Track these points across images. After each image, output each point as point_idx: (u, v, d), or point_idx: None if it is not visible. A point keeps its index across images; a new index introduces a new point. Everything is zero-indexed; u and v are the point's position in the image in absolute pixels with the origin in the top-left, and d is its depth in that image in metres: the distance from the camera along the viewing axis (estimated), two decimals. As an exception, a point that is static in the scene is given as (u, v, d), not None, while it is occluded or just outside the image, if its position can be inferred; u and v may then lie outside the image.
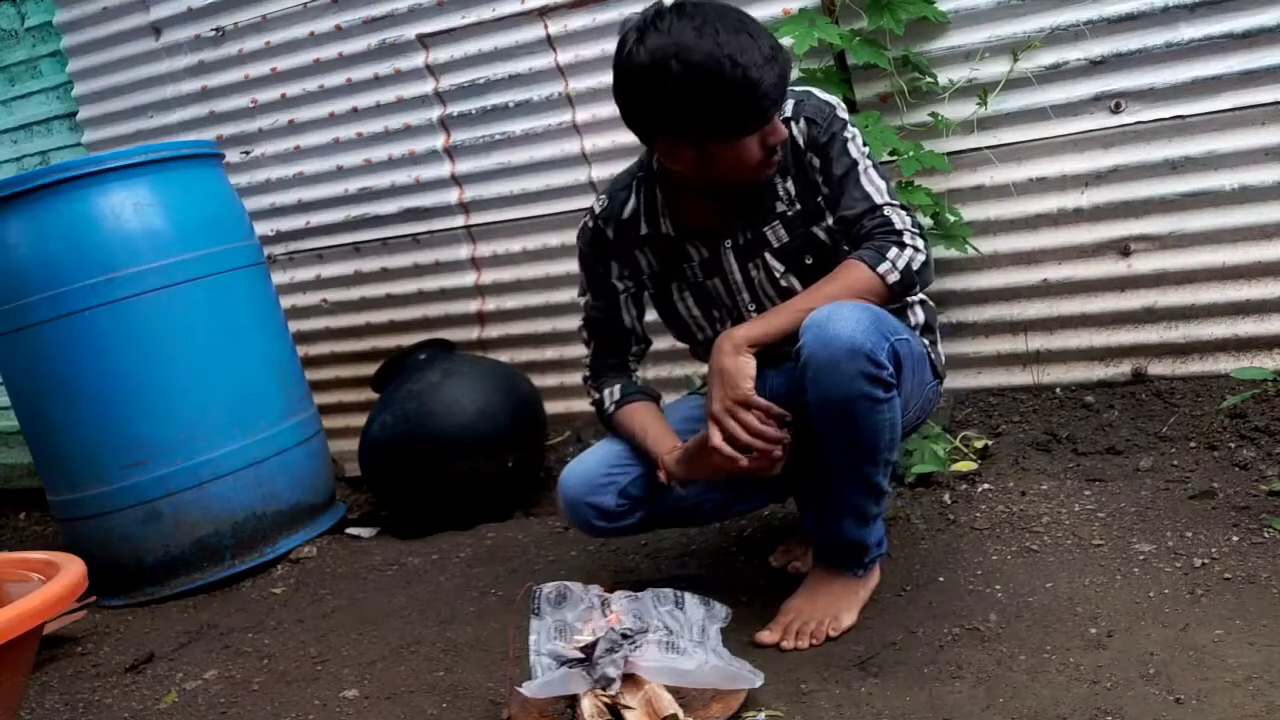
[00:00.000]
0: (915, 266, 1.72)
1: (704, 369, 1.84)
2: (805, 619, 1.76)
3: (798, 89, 1.82)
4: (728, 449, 1.67)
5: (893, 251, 1.71)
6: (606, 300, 1.94)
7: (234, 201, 2.84)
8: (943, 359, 1.98)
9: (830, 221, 1.80)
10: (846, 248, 1.78)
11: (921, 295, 1.92)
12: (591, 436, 2.99)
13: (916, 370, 1.79)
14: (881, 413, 1.65)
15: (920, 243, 1.74)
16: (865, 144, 1.81)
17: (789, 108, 1.78)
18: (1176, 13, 2.29)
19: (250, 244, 2.83)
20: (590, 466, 1.88)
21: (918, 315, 1.93)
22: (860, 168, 1.77)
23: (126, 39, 3.43)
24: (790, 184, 1.80)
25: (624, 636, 1.53)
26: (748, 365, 1.68)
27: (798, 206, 1.81)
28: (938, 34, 2.48)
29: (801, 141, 1.78)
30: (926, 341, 1.91)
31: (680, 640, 1.57)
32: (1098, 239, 2.46)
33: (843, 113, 1.80)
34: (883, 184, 1.77)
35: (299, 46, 3.21)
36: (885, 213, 1.74)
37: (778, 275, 1.83)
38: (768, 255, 1.82)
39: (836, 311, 1.62)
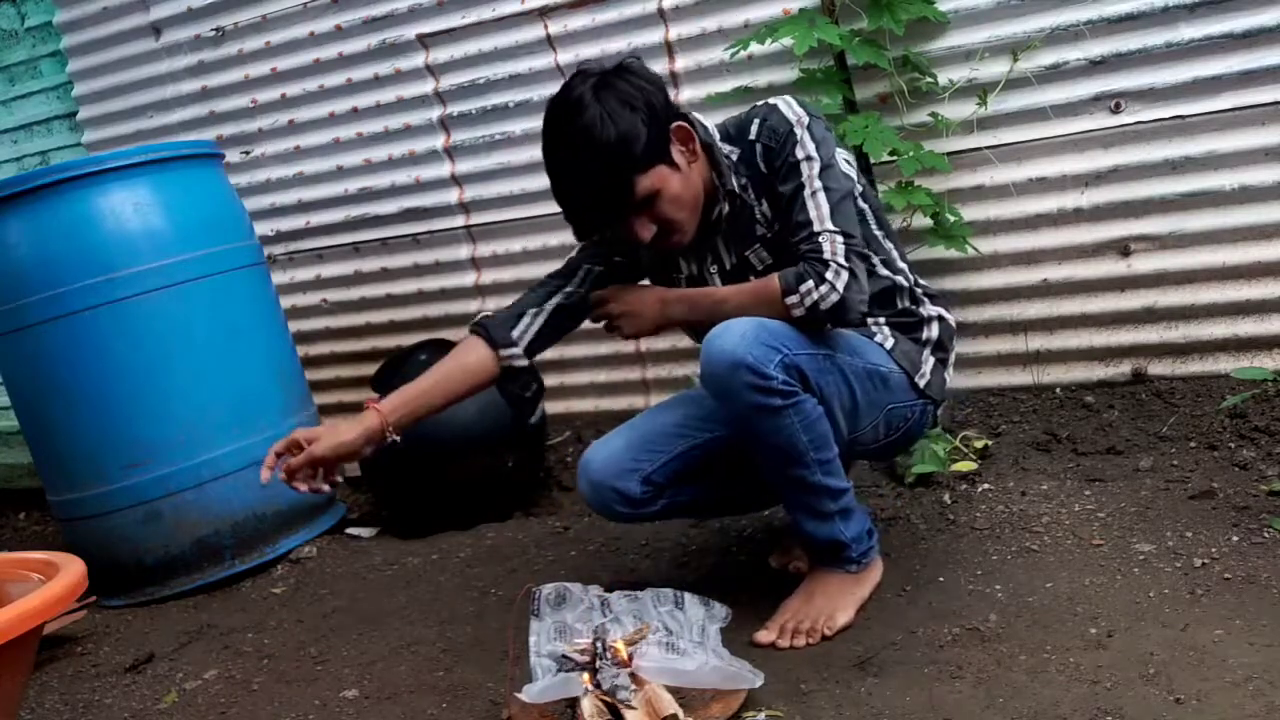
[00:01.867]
0: (825, 306, 1.64)
1: None
2: (801, 618, 1.76)
3: (767, 101, 1.78)
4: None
5: (807, 285, 1.64)
6: (566, 271, 1.95)
7: (234, 201, 2.84)
8: (946, 381, 1.90)
9: None
10: None
11: (940, 312, 1.89)
12: (591, 436, 2.99)
13: (865, 389, 1.75)
14: (785, 418, 1.63)
15: (843, 279, 1.64)
16: (829, 158, 1.71)
17: (753, 128, 1.76)
18: (1176, 13, 2.29)
19: (250, 244, 2.83)
20: (616, 450, 1.88)
21: (931, 331, 1.88)
22: (807, 190, 1.69)
23: (126, 39, 3.43)
24: (765, 206, 1.79)
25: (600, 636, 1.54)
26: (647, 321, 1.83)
27: (775, 227, 1.79)
28: (938, 34, 2.48)
29: (763, 165, 1.76)
30: (934, 360, 1.86)
31: (680, 640, 1.57)
32: (1098, 239, 2.46)
33: (802, 128, 1.72)
34: (826, 207, 1.67)
35: (299, 46, 3.21)
36: (819, 239, 1.66)
37: None
38: (753, 279, 1.78)
39: (727, 328, 1.63)
